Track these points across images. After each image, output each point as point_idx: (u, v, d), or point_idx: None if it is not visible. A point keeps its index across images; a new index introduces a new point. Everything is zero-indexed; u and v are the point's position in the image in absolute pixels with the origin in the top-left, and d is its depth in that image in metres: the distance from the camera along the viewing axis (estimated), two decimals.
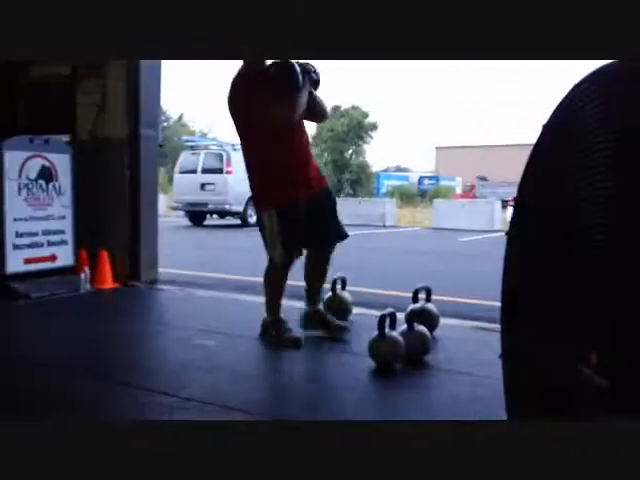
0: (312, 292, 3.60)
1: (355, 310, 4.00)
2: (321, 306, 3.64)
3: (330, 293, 3.91)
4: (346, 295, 3.98)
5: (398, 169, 46.99)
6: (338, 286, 3.93)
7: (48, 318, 4.17)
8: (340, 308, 3.91)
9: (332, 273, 4.11)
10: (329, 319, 3.57)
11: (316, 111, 3.41)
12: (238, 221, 14.42)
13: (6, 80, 5.52)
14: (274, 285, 3.45)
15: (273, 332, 3.42)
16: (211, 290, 5.23)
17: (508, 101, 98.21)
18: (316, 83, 3.35)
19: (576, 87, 1.48)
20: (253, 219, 14.43)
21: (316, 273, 3.56)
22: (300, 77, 3.17)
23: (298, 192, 3.31)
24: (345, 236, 3.53)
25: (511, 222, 1.79)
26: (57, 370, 2.97)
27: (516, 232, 1.75)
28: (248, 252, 9.55)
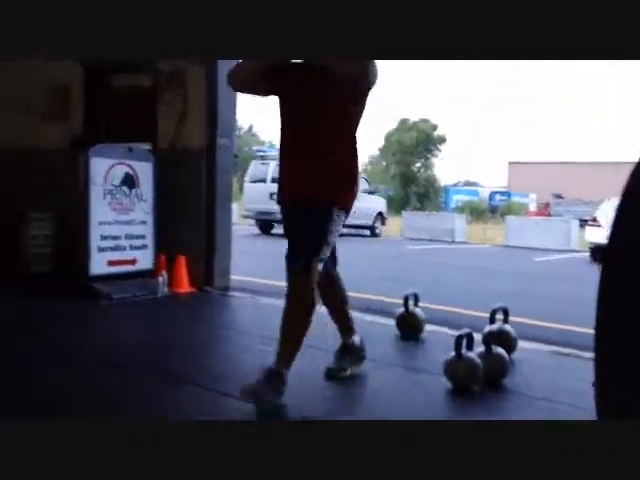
0: (337, 323, 3.14)
1: (428, 327, 3.92)
2: (356, 338, 3.10)
3: (402, 309, 3.86)
4: (419, 312, 3.91)
5: (467, 183, 46.15)
6: (411, 302, 3.87)
7: (127, 319, 4.32)
8: (413, 325, 3.85)
9: (404, 288, 4.03)
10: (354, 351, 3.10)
11: (349, 75, 2.59)
12: None
13: (91, 91, 5.80)
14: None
15: None
16: (279, 299, 5.26)
17: (507, 101, 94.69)
18: None
19: None
20: None
21: (326, 299, 3.05)
22: None
23: (286, 191, 2.84)
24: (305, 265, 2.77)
25: (609, 243, 1.70)
26: (132, 371, 3.07)
27: (614, 254, 1.66)
28: None
